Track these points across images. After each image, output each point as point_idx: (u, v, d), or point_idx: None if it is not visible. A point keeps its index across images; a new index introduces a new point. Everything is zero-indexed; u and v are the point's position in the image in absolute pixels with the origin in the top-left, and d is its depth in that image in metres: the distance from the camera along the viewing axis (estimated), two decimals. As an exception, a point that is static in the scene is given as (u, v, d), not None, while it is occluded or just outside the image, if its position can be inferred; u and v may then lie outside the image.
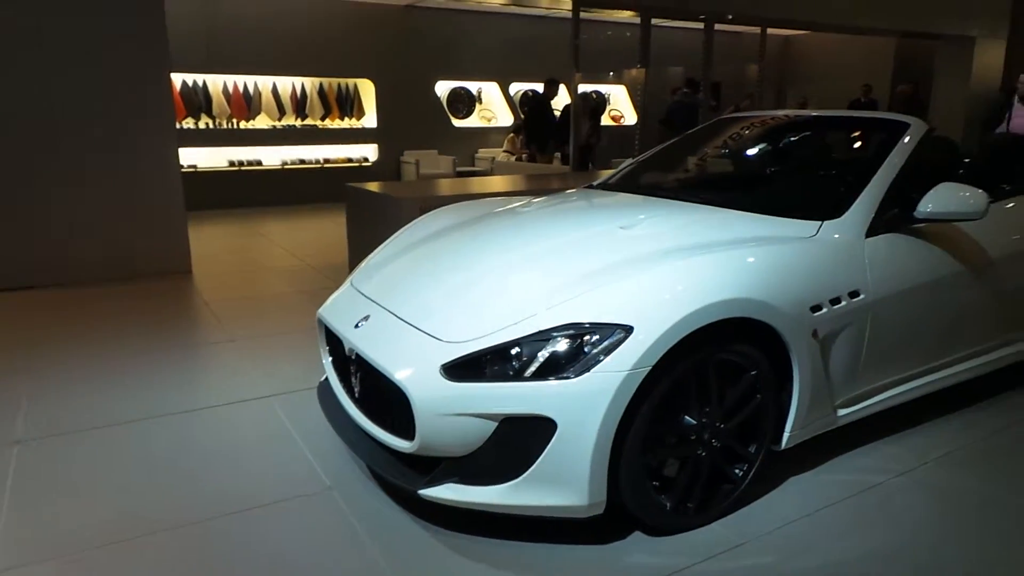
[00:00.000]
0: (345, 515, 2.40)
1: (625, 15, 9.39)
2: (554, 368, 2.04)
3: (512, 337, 2.12)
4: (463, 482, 2.15)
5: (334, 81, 10.84)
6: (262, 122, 10.40)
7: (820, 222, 2.60)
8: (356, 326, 2.50)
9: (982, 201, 2.61)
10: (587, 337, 2.06)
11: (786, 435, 2.45)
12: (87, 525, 2.34)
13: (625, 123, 13.26)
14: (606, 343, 2.03)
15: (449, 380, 2.11)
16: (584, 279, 2.28)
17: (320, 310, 2.82)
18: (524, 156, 10.36)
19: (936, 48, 11.59)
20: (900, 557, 2.20)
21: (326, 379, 2.85)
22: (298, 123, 10.64)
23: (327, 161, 10.89)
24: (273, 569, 2.13)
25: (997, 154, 3.87)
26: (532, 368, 2.06)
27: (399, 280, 2.77)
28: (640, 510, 2.20)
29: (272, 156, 10.51)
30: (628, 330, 2.04)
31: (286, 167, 10.59)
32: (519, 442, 2.06)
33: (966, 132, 10.82)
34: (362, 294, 2.73)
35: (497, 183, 6.49)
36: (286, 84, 10.53)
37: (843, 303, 2.45)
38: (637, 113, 10.58)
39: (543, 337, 2.09)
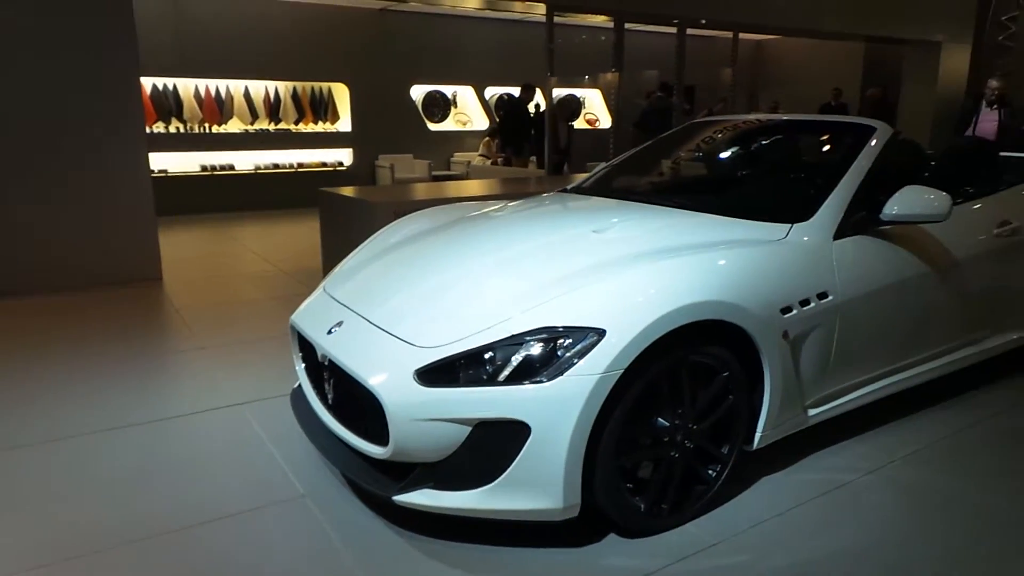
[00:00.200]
0: (319, 522, 2.38)
1: (599, 19, 9.44)
2: (527, 372, 2.05)
3: (485, 342, 2.12)
4: (437, 487, 2.14)
5: (308, 85, 10.77)
6: (234, 126, 10.29)
7: (789, 225, 2.64)
8: (329, 332, 2.48)
9: (946, 203, 2.67)
10: (560, 341, 2.07)
11: (758, 435, 2.47)
12: (44, 541, 2.29)
13: (600, 126, 13.33)
14: (579, 347, 2.04)
15: (422, 385, 2.10)
16: (557, 283, 2.29)
17: (293, 316, 2.80)
18: (500, 160, 10.37)
19: (904, 53, 11.82)
20: (870, 555, 2.24)
21: (299, 386, 2.82)
22: (271, 127, 10.55)
23: (301, 165, 10.81)
24: (245, 579, 2.11)
25: (961, 157, 3.94)
26: (505, 372, 2.06)
27: (372, 285, 2.75)
28: (615, 512, 2.21)
29: (245, 160, 10.40)
30: (601, 333, 2.05)
31: (259, 172, 10.49)
32: (493, 446, 2.06)
33: (933, 135, 11.05)
34: (335, 300, 2.71)
35: (472, 187, 6.49)
36: (259, 88, 10.43)
37: (812, 304, 2.49)
38: (612, 117, 10.65)
39: (516, 341, 2.09)
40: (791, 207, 2.75)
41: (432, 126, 12.02)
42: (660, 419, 2.24)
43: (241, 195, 10.20)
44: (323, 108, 10.90)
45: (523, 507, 2.08)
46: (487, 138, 11.45)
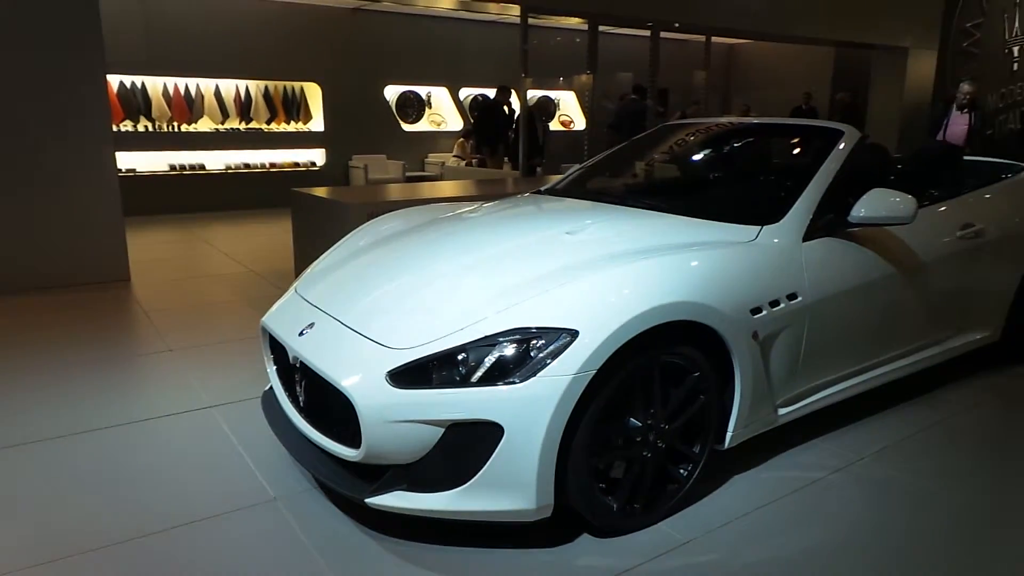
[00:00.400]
0: (291, 526, 2.36)
1: (573, 22, 9.48)
2: (501, 373, 2.05)
3: (458, 343, 2.11)
4: (410, 489, 2.13)
5: (280, 84, 10.66)
6: (205, 125, 10.15)
7: (760, 227, 2.68)
8: (301, 334, 2.46)
9: (911, 206, 2.72)
10: (533, 342, 2.07)
11: (729, 434, 2.50)
12: (7, 548, 2.23)
13: (575, 128, 13.38)
14: (552, 347, 2.05)
15: (395, 387, 2.09)
16: (530, 284, 2.29)
17: (264, 318, 2.76)
18: (474, 161, 10.36)
19: (872, 58, 12.05)
20: (839, 551, 2.27)
21: (270, 388, 2.79)
22: (242, 126, 10.42)
23: (273, 165, 10.69)
24: (215, 584, 2.08)
25: (926, 161, 4.03)
26: (479, 373, 2.06)
27: (345, 286, 2.73)
28: (588, 512, 2.22)
29: (215, 160, 10.26)
30: (574, 334, 2.06)
31: (230, 171, 10.35)
32: (466, 448, 2.06)
33: (901, 139, 11.27)
34: (307, 301, 2.69)
35: (447, 188, 6.48)
36: (230, 87, 10.30)
37: (782, 305, 2.52)
38: (586, 118, 10.71)
39: (489, 342, 2.09)
40: (761, 209, 2.78)
41: (406, 126, 11.97)
42: (632, 419, 2.26)
43: (211, 195, 10.05)
44: (295, 108, 10.80)
45: (496, 508, 2.08)
46: (461, 139, 11.43)
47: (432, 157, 11.99)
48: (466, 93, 12.55)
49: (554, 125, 13.16)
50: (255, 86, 10.48)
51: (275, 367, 2.73)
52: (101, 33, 5.45)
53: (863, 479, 2.71)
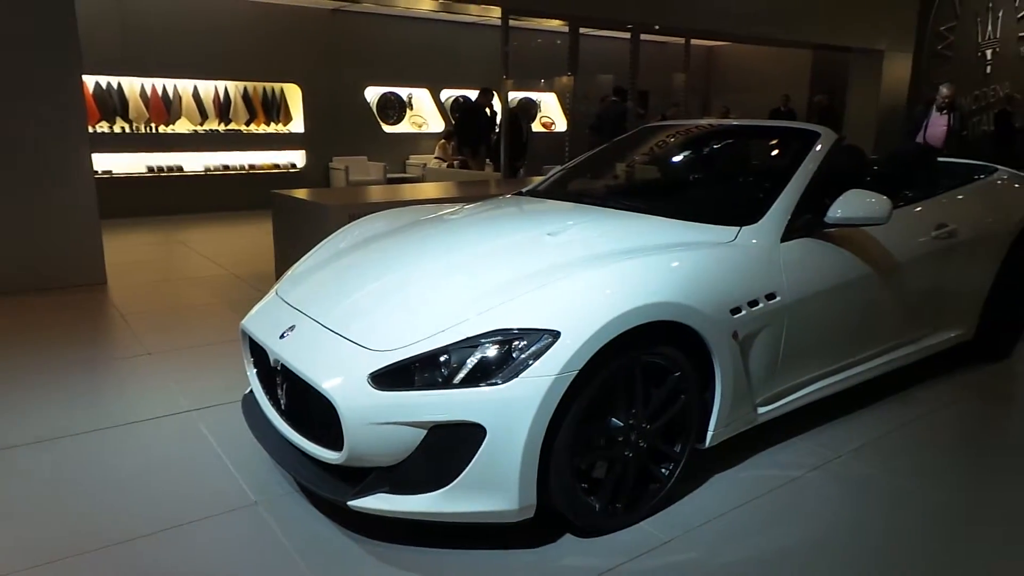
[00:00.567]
0: (272, 530, 2.34)
1: (554, 24, 9.51)
2: (483, 374, 2.05)
3: (440, 344, 2.11)
4: (393, 491, 2.13)
5: (259, 85, 10.58)
6: (183, 126, 10.05)
7: (739, 228, 2.70)
8: (281, 336, 2.45)
9: (886, 207, 2.76)
10: (515, 343, 2.08)
11: (710, 434, 2.52)
12: (-11, 553, 2.20)
13: (556, 130, 13.42)
14: (534, 348, 2.05)
15: (377, 389, 2.08)
16: (512, 285, 2.30)
17: (244, 321, 2.74)
18: (455, 162, 10.36)
19: (849, 61, 12.21)
20: (818, 549, 2.30)
21: (251, 391, 2.77)
22: (221, 128, 10.33)
23: (252, 167, 10.61)
24: (195, 590, 2.06)
25: (902, 163, 4.09)
26: (461, 375, 2.06)
27: (326, 288, 2.72)
28: (570, 512, 2.23)
29: (194, 162, 10.16)
30: (555, 335, 2.07)
31: (209, 173, 10.26)
32: (449, 449, 2.06)
33: (877, 140, 11.43)
34: (287, 303, 2.67)
35: (428, 190, 6.47)
36: (208, 88, 10.20)
37: (761, 305, 2.55)
38: (567, 120, 10.74)
39: (471, 344, 2.10)
40: (740, 210, 2.81)
41: (387, 128, 11.94)
42: (614, 419, 2.27)
43: (190, 197, 9.96)
44: (275, 109, 10.72)
45: (479, 509, 2.08)
46: (443, 140, 11.42)
47: (413, 159, 11.97)
48: (447, 95, 12.54)
49: (535, 127, 13.18)
50: (234, 87, 10.39)
51: (255, 370, 2.71)
52: (77, 33, 5.38)
53: (841, 477, 2.75)
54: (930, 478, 2.77)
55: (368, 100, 11.67)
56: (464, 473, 2.05)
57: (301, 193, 5.59)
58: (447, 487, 2.07)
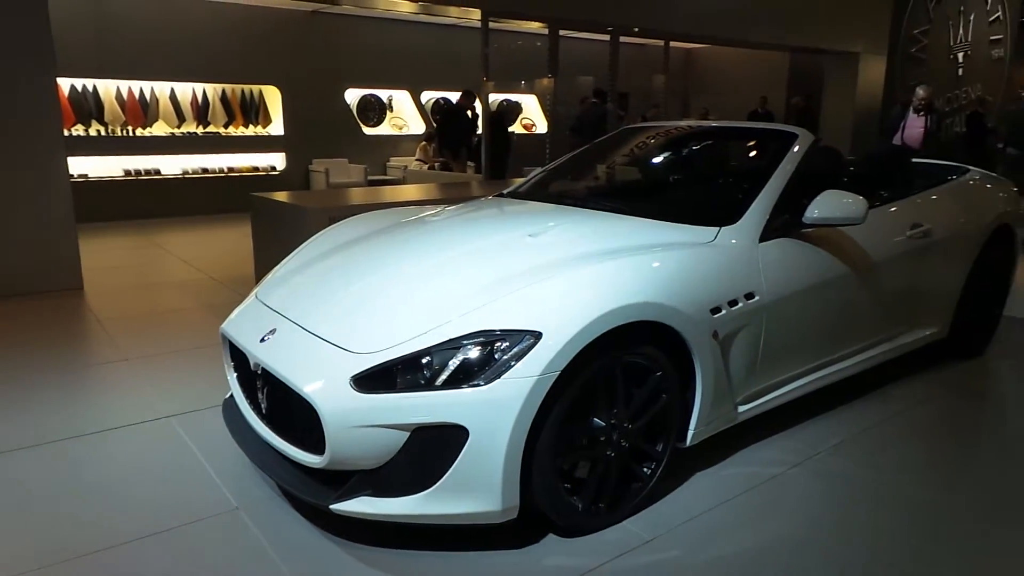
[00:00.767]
0: (254, 536, 2.32)
1: (534, 26, 9.53)
2: (465, 376, 2.05)
3: (422, 346, 2.11)
4: (376, 494, 2.12)
5: (238, 87, 10.50)
6: (160, 129, 9.95)
7: (718, 228, 2.73)
8: (262, 340, 2.43)
9: (862, 207, 2.80)
10: (497, 344, 2.08)
11: (691, 432, 2.54)
12: (-36, 563, 2.16)
13: (537, 131, 13.44)
14: (516, 349, 2.06)
15: (359, 392, 2.08)
16: (493, 287, 2.30)
17: (223, 325, 2.72)
18: (436, 164, 10.34)
19: (825, 63, 12.36)
20: (798, 544, 2.33)
21: (231, 396, 2.75)
22: (199, 130, 10.24)
23: (231, 170, 10.52)
24: (176, 597, 2.04)
25: (877, 163, 4.15)
26: (443, 377, 2.06)
27: (307, 292, 2.71)
28: (553, 513, 2.24)
29: (172, 165, 10.06)
30: (537, 336, 2.07)
31: (187, 176, 10.16)
32: (432, 451, 2.06)
33: (853, 142, 11.58)
34: (268, 307, 2.65)
35: (409, 192, 6.46)
36: (186, 90, 10.11)
37: (740, 305, 2.58)
38: (548, 122, 10.78)
39: (454, 345, 2.10)
40: (719, 211, 2.84)
41: (368, 130, 11.89)
42: (596, 419, 2.28)
43: (168, 200, 9.85)
44: (254, 111, 10.65)
45: (462, 511, 2.08)
46: (423, 142, 11.40)
47: (394, 161, 11.93)
48: (428, 96, 12.53)
49: (516, 128, 13.20)
50: (212, 89, 10.31)
51: (236, 374, 2.69)
52: (50, 34, 5.31)
53: (820, 474, 2.78)
54: (909, 474, 2.81)
55: (348, 102, 11.62)
56: (447, 475, 2.04)
57: (281, 196, 5.55)
58: (430, 489, 2.06)
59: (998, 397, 3.84)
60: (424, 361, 2.09)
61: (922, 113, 7.93)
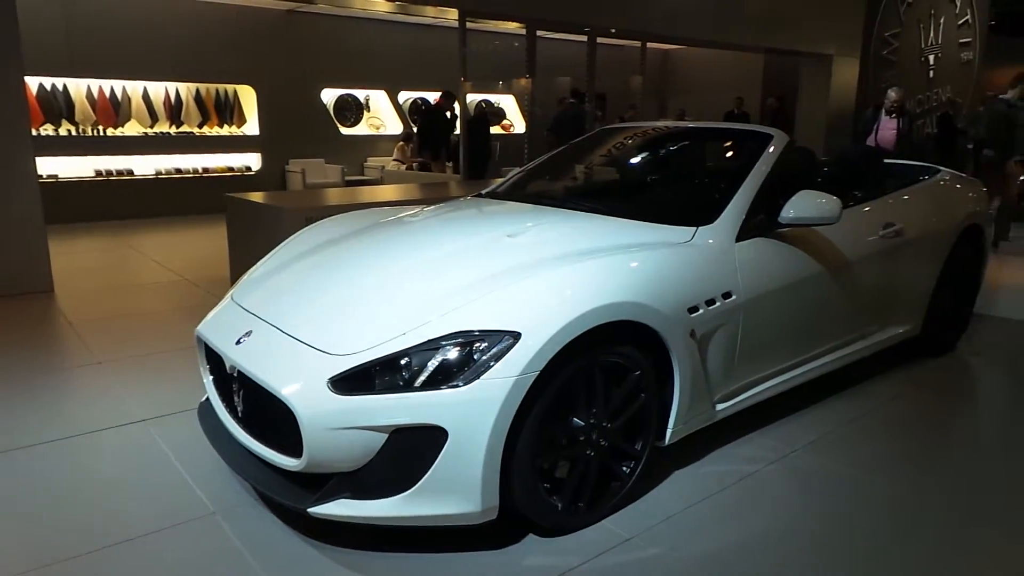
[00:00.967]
0: (231, 540, 2.29)
1: (512, 26, 9.53)
2: (444, 377, 2.04)
3: (401, 347, 2.10)
4: (354, 497, 2.11)
5: (212, 87, 10.37)
6: (132, 129, 9.79)
7: (695, 228, 2.75)
8: (238, 342, 2.40)
9: (836, 207, 2.84)
10: (476, 344, 2.08)
11: (669, 431, 2.56)
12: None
13: (515, 132, 13.45)
14: (495, 350, 2.05)
15: (337, 394, 2.06)
16: (472, 287, 2.29)
17: (199, 327, 2.69)
18: (414, 165, 10.30)
19: (799, 65, 12.51)
20: (775, 540, 2.35)
21: (207, 399, 2.71)
22: (173, 130, 10.10)
23: (206, 170, 10.39)
24: (150, 604, 2.01)
25: (850, 164, 4.21)
26: (422, 378, 2.05)
27: (284, 293, 2.68)
28: (533, 513, 2.24)
29: (145, 165, 9.90)
30: (516, 336, 2.07)
31: (160, 177, 10.01)
32: (411, 453, 2.05)
33: (827, 142, 11.73)
34: (244, 309, 2.62)
35: (387, 192, 6.43)
36: (159, 89, 9.96)
37: (717, 304, 2.60)
38: (526, 122, 10.79)
39: (432, 346, 2.09)
40: (696, 211, 2.86)
41: (344, 130, 11.81)
42: (576, 419, 2.28)
43: (141, 201, 9.70)
44: (229, 111, 10.52)
45: (442, 512, 2.07)
46: (401, 143, 11.35)
47: (372, 161, 11.87)
48: (405, 96, 12.48)
49: (494, 129, 13.19)
50: (186, 88, 10.17)
51: (212, 377, 2.66)
52: (18, 31, 5.20)
53: (798, 470, 2.81)
54: (883, 469, 2.85)
55: (325, 102, 11.53)
56: (426, 476, 2.04)
57: (257, 196, 5.50)
58: (409, 491, 2.05)
59: (969, 393, 3.91)
60: (403, 362, 2.08)
61: (894, 115, 8.05)
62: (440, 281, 2.41)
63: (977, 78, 13.77)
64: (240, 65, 10.38)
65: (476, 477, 2.04)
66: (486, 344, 2.07)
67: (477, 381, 2.02)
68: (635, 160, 4.05)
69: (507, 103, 13.71)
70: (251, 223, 5.27)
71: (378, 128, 12.25)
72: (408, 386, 2.05)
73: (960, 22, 13.18)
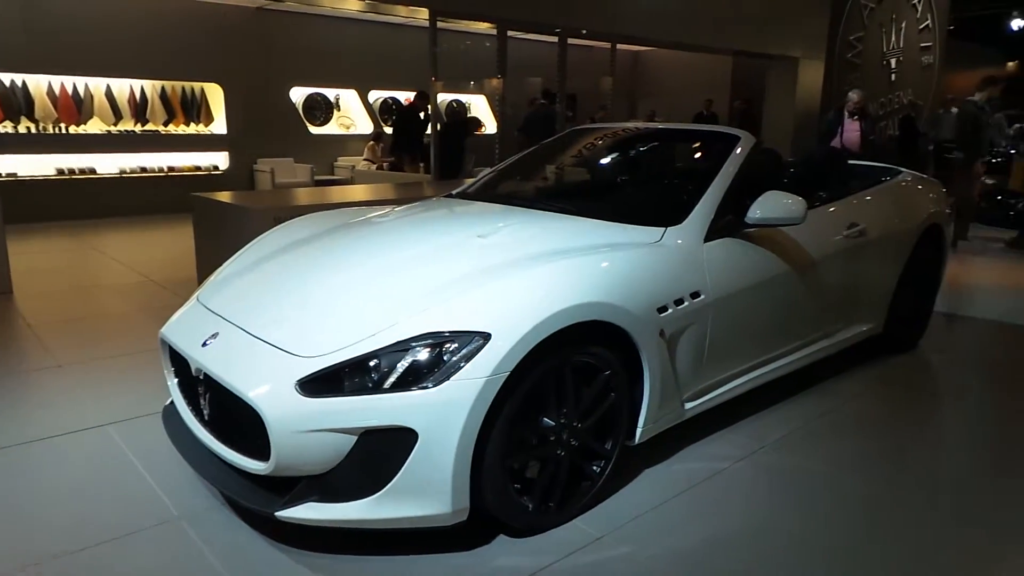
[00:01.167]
0: (196, 546, 2.26)
1: (483, 26, 9.53)
2: (414, 378, 2.03)
3: (370, 349, 2.08)
4: (323, 500, 2.08)
5: (178, 84, 10.19)
6: (95, 127, 9.58)
7: (664, 228, 2.77)
8: (203, 344, 2.36)
9: (802, 208, 2.88)
10: (446, 345, 2.07)
11: (639, 430, 2.57)
12: None
13: (486, 132, 13.42)
14: (465, 351, 2.05)
15: (305, 396, 2.04)
16: (442, 288, 2.29)
17: (163, 329, 2.63)
18: (385, 164, 10.24)
19: (767, 67, 12.69)
20: (744, 537, 2.38)
21: (171, 402, 2.66)
22: (138, 128, 9.90)
23: (172, 169, 10.21)
24: (113, 612, 1.96)
25: (815, 165, 4.28)
26: (392, 379, 2.04)
27: (250, 294, 2.64)
28: (503, 513, 2.23)
29: (108, 164, 9.70)
30: (486, 337, 2.07)
31: (124, 175, 9.81)
32: (380, 455, 2.04)
33: (793, 144, 11.91)
34: (210, 310, 2.58)
35: (357, 192, 6.38)
36: (123, 86, 9.76)
37: (686, 304, 2.62)
38: (497, 122, 10.80)
39: (402, 347, 2.07)
40: (665, 211, 2.88)
41: (314, 129, 11.70)
42: (546, 419, 2.29)
43: (104, 201, 9.50)
44: (195, 109, 10.35)
45: (412, 514, 2.06)
46: (371, 142, 11.28)
47: (342, 160, 11.77)
48: (376, 96, 12.39)
49: (465, 129, 13.15)
50: (151, 86, 9.99)
51: (176, 380, 2.61)
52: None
53: (765, 467, 2.85)
54: (849, 465, 2.90)
55: (294, 101, 11.41)
56: (396, 478, 2.02)
57: (224, 196, 5.42)
58: (379, 493, 2.04)
59: (932, 389, 4.00)
60: (372, 364, 2.07)
61: (856, 117, 8.19)
62: (410, 282, 2.39)
63: (937, 81, 14.10)
64: (207, 63, 10.21)
65: (446, 478, 2.03)
66: (456, 345, 2.06)
67: (447, 382, 2.01)
68: (605, 161, 4.07)
69: (478, 103, 13.68)
70: (218, 223, 5.19)
71: (348, 127, 12.15)
72: (378, 388, 2.03)
73: (921, 27, 13.49)
